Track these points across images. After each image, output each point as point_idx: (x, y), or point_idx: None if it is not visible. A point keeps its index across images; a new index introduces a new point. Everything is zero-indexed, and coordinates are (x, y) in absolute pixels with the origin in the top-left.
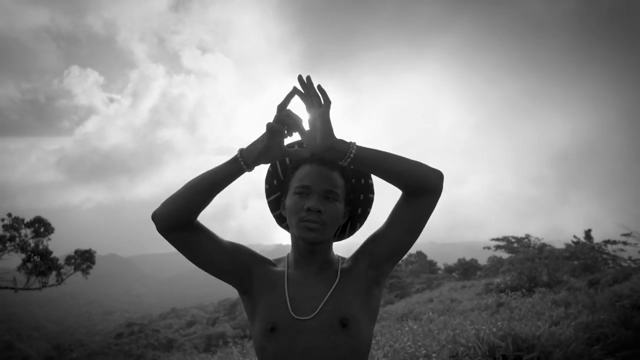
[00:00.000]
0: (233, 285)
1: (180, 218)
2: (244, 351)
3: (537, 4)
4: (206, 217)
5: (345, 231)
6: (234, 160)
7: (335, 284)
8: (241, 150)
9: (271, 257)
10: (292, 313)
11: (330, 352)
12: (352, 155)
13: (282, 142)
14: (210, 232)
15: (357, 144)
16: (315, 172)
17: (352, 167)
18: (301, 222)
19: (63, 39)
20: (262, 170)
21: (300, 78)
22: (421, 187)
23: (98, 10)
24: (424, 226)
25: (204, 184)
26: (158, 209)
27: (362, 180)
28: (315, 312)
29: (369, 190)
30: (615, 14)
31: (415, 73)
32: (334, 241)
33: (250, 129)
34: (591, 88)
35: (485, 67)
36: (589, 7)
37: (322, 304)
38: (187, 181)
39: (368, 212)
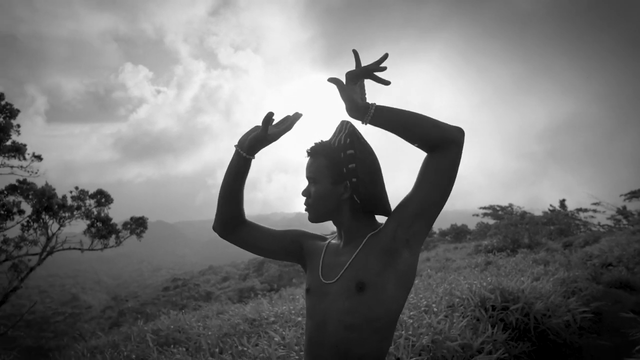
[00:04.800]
0: (296, 263)
1: (228, 224)
2: (272, 302)
3: (523, 2)
4: None
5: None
6: (235, 152)
7: (358, 250)
8: (237, 144)
9: (293, 223)
10: (321, 277)
11: (345, 315)
12: (371, 113)
13: (268, 130)
14: (261, 228)
15: (378, 104)
16: (307, 163)
17: (376, 125)
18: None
19: (122, 40)
20: (285, 151)
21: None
22: (442, 140)
23: (151, 17)
24: (449, 181)
25: (226, 185)
26: (213, 222)
27: (342, 154)
28: (337, 277)
29: (349, 161)
30: (593, 6)
31: (419, 64)
32: (375, 213)
33: (276, 114)
34: (568, 74)
35: (478, 58)
36: (570, 2)
37: (344, 269)
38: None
39: (358, 182)
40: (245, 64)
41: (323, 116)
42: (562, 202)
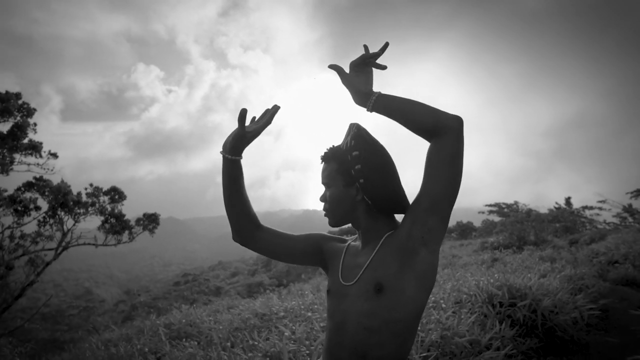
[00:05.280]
0: (318, 266)
1: (242, 231)
2: (281, 297)
3: (530, 0)
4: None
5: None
6: (222, 157)
7: (375, 251)
8: (221, 149)
9: (301, 219)
10: (340, 279)
11: (364, 317)
12: (373, 100)
13: (245, 128)
14: (279, 233)
15: (383, 92)
16: (321, 169)
17: (379, 112)
18: None
19: (134, 41)
20: (293, 149)
21: (330, 66)
22: (436, 127)
23: (163, 18)
24: (453, 172)
25: (224, 191)
26: (232, 233)
27: (349, 157)
28: (356, 279)
29: (356, 163)
30: (599, 4)
31: (426, 63)
32: (391, 212)
33: (284, 113)
34: (575, 71)
35: (484, 57)
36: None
37: (362, 271)
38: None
39: (365, 182)
40: (255, 63)
41: (331, 114)
42: (568, 200)
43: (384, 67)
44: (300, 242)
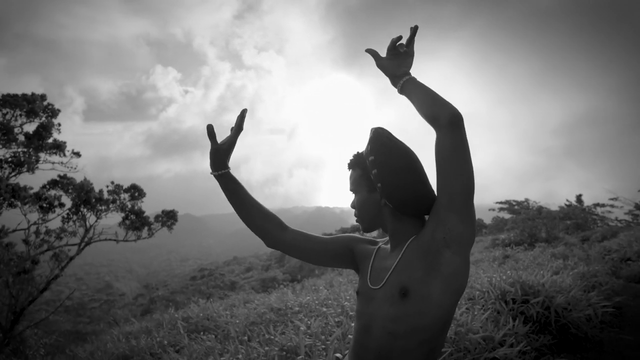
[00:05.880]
0: (349, 268)
1: (267, 237)
2: (296, 292)
3: None
4: (258, 184)
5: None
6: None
7: (401, 254)
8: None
9: (314, 216)
10: (368, 282)
11: (389, 322)
12: (401, 83)
13: (217, 142)
14: (308, 235)
15: (417, 79)
16: (349, 177)
17: (406, 96)
18: None
19: (153, 44)
20: (306, 148)
21: (367, 51)
22: (434, 119)
23: (180, 21)
24: (459, 166)
25: (233, 206)
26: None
27: (367, 162)
28: (383, 282)
29: (372, 167)
30: (609, 0)
31: (438, 62)
32: (415, 214)
33: (297, 113)
34: (585, 68)
35: (495, 56)
36: None
37: (388, 274)
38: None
39: (383, 186)
40: (269, 64)
41: (342, 113)
42: (579, 197)
43: (402, 48)
44: (331, 245)
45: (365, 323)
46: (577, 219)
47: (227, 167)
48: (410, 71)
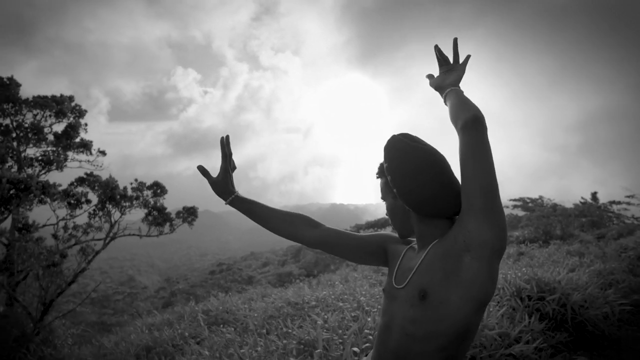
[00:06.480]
0: (383, 266)
1: (298, 240)
2: (312, 287)
3: None
4: (274, 182)
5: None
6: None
7: (424, 255)
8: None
9: (329, 213)
10: (393, 281)
11: (407, 323)
12: (444, 94)
13: (212, 176)
14: (343, 234)
15: (459, 90)
16: None
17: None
18: None
19: (174, 46)
20: (321, 146)
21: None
22: (455, 121)
23: (200, 24)
24: (473, 166)
25: (256, 223)
26: None
27: (384, 169)
28: (405, 282)
29: (387, 174)
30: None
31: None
32: (437, 216)
33: (313, 112)
34: (601, 65)
35: (509, 54)
36: None
37: (411, 275)
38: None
39: (398, 192)
40: (285, 65)
41: (357, 112)
42: (594, 195)
43: (456, 57)
44: (366, 242)
45: (387, 321)
46: (592, 216)
47: (233, 193)
48: (460, 85)
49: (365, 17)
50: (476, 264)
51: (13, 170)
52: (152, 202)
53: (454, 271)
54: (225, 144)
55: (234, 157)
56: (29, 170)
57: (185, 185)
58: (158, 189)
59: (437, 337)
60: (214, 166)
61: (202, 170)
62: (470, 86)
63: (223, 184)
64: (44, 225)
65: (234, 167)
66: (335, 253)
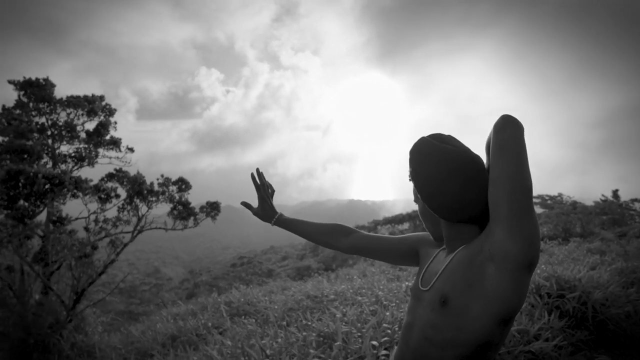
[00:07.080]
0: (416, 266)
1: (334, 247)
2: (330, 280)
3: None
4: (294, 178)
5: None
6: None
7: (449, 261)
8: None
9: (347, 209)
10: (419, 283)
11: (427, 327)
12: None
13: (253, 207)
14: (374, 238)
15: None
16: None
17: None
18: None
19: (199, 47)
20: (340, 143)
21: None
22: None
23: (223, 26)
24: (500, 172)
25: (301, 236)
26: None
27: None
28: (430, 286)
29: (412, 178)
30: None
31: (472, 60)
32: (465, 222)
33: (332, 110)
34: (623, 61)
35: (529, 52)
36: None
37: (435, 278)
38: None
39: (423, 199)
40: (305, 64)
41: (376, 109)
42: (615, 192)
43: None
44: (399, 245)
45: (410, 321)
46: (613, 214)
47: (273, 217)
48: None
49: (384, 16)
50: (499, 276)
51: (48, 166)
52: (177, 197)
53: (476, 281)
54: (256, 176)
55: (254, 155)
56: (63, 166)
57: (209, 181)
58: (183, 184)
59: (455, 345)
60: (235, 162)
61: (246, 205)
62: (490, 84)
63: (263, 212)
64: (77, 219)
65: (273, 191)
66: (369, 256)
